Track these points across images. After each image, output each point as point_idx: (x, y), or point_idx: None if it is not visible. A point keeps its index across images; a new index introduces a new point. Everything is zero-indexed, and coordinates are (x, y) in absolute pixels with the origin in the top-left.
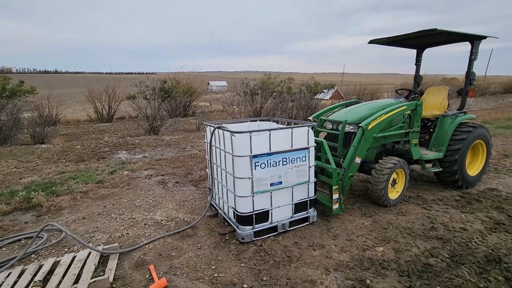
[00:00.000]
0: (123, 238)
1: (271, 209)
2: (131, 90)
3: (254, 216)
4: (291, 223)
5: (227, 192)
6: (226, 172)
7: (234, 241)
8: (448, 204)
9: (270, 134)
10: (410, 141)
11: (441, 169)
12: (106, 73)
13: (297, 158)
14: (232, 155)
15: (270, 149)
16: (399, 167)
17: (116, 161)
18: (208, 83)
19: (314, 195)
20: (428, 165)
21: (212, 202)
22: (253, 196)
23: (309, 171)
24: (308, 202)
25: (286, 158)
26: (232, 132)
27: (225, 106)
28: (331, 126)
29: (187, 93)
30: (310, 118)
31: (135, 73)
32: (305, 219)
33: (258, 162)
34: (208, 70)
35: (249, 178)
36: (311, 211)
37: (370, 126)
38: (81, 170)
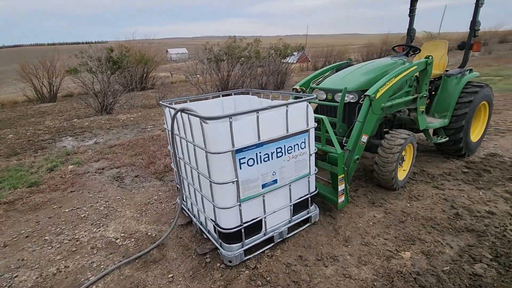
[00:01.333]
0: (60, 276)
1: (265, 217)
2: (73, 62)
3: (243, 230)
4: (290, 228)
5: (202, 198)
6: (198, 173)
7: (219, 264)
8: (459, 179)
9: (257, 117)
10: (418, 108)
11: (447, 138)
12: (48, 44)
13: (294, 146)
14: (206, 152)
15: (259, 137)
16: (409, 142)
17: (59, 151)
18: (167, 51)
19: (316, 189)
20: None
21: (182, 205)
22: (240, 205)
23: (309, 160)
24: (309, 198)
25: (281, 148)
26: (203, 118)
27: (188, 76)
28: (324, 96)
29: (141, 63)
30: (297, 86)
31: (82, 43)
32: (306, 220)
33: (244, 158)
34: (165, 36)
35: (233, 181)
36: (312, 209)
37: (378, 94)
38: (10, 168)
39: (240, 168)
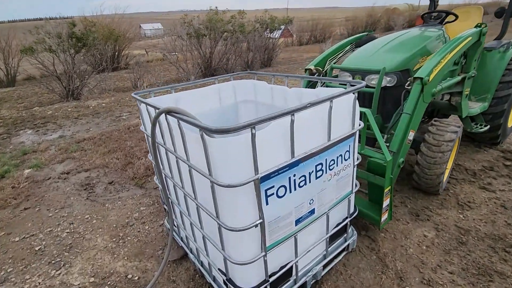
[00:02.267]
0: None
1: (297, 261)
2: (30, 41)
3: (268, 287)
4: (325, 265)
5: (204, 239)
6: (198, 206)
7: None
8: (504, 175)
9: (292, 121)
10: (463, 91)
11: (488, 126)
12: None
13: (338, 158)
14: (212, 182)
15: (293, 153)
16: (459, 136)
17: (15, 150)
18: (140, 26)
19: (356, 210)
20: None
21: (174, 233)
22: (265, 256)
23: (353, 173)
24: (349, 223)
25: (321, 164)
26: (207, 130)
27: (165, 53)
28: (350, 79)
29: (111, 39)
30: (311, 66)
31: (45, 19)
32: (343, 249)
33: (273, 187)
34: (137, 11)
35: (256, 225)
36: (350, 234)
37: (432, 76)
38: None
39: (267, 204)
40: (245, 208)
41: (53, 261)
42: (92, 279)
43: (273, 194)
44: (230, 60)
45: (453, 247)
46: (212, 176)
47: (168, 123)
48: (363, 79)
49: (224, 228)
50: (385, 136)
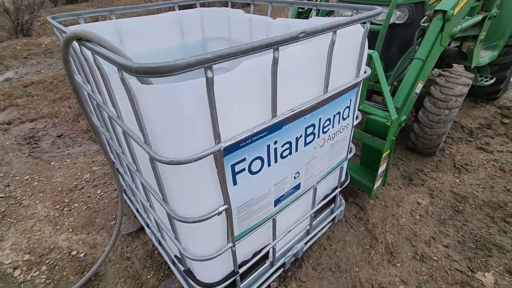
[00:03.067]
0: None
1: (275, 244)
2: None
3: (239, 277)
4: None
5: (155, 220)
6: (143, 183)
7: None
8: (501, 134)
9: (275, 60)
10: (479, 35)
11: (494, 79)
12: None
13: (334, 117)
14: (152, 156)
15: (274, 111)
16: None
17: None
18: None
19: (348, 178)
20: None
21: (127, 200)
22: (233, 247)
23: (350, 135)
24: (339, 192)
25: (313, 126)
26: (125, 68)
27: None
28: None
29: None
30: None
31: None
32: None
33: (243, 161)
34: None
35: (218, 213)
36: (338, 204)
37: (457, 10)
38: None
39: (235, 184)
40: (202, 191)
41: None
42: (27, 256)
43: (243, 170)
44: None
45: (448, 216)
46: (151, 148)
47: (86, 59)
48: None
49: (173, 218)
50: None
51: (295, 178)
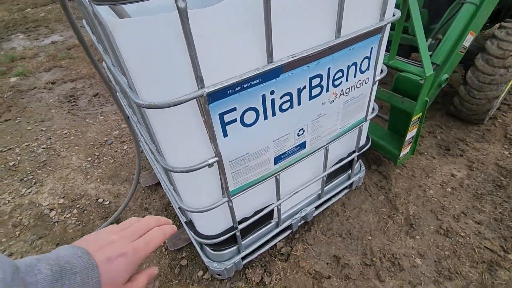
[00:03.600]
0: None
1: (279, 204)
2: None
3: (239, 233)
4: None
5: (159, 173)
6: (140, 130)
7: (201, 273)
8: None
9: None
10: None
11: None
12: None
13: (349, 68)
14: (132, 99)
15: (270, 55)
16: None
17: (6, 55)
18: None
19: (369, 141)
20: None
21: (146, 156)
22: (229, 202)
23: (371, 94)
24: (356, 158)
25: (320, 76)
26: None
27: None
28: None
29: None
30: None
31: None
32: (344, 187)
33: (233, 111)
34: None
35: (208, 165)
36: (357, 170)
37: None
38: None
39: (226, 135)
40: (191, 141)
41: (25, 179)
42: (61, 201)
43: (234, 121)
44: None
45: (487, 191)
46: (133, 90)
47: (85, 7)
48: None
49: (164, 167)
50: (429, 41)
51: (298, 135)
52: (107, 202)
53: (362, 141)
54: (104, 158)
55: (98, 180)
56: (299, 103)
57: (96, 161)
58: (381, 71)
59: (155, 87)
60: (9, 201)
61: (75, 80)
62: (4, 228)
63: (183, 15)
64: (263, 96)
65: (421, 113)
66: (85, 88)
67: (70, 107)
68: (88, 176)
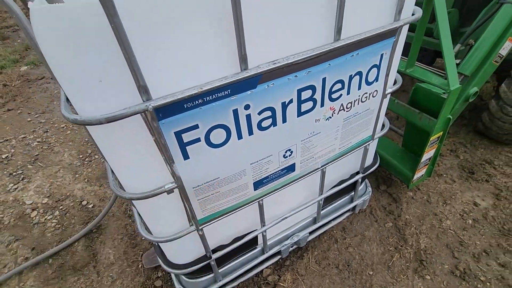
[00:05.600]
0: None
1: (264, 231)
2: None
3: (214, 262)
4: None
5: None
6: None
7: None
8: None
9: None
10: None
11: None
12: None
13: (351, 78)
14: (61, 112)
15: (243, 60)
16: None
17: (22, 43)
18: None
19: (377, 161)
20: None
21: None
22: (199, 231)
23: (380, 108)
24: (360, 179)
25: (312, 88)
26: None
27: None
28: None
29: None
30: None
31: None
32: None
33: (195, 128)
34: None
35: (167, 191)
36: (361, 192)
37: None
38: None
39: (186, 158)
40: (142, 162)
41: (14, 173)
42: (46, 200)
43: (197, 140)
44: None
45: None
46: (68, 99)
47: None
48: None
49: (114, 191)
50: (457, 46)
51: (285, 157)
52: (91, 205)
53: (369, 161)
54: (96, 156)
55: (86, 180)
56: (284, 120)
57: (87, 159)
58: (395, 82)
59: (86, 98)
60: None
61: None
62: None
63: (109, 6)
64: (235, 112)
65: (441, 132)
66: None
67: None
68: (77, 175)
